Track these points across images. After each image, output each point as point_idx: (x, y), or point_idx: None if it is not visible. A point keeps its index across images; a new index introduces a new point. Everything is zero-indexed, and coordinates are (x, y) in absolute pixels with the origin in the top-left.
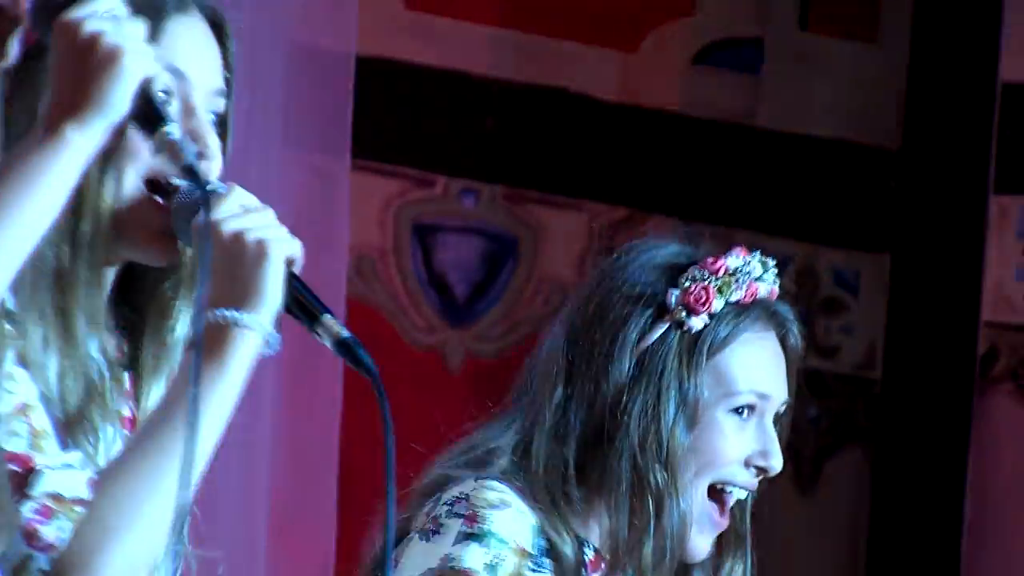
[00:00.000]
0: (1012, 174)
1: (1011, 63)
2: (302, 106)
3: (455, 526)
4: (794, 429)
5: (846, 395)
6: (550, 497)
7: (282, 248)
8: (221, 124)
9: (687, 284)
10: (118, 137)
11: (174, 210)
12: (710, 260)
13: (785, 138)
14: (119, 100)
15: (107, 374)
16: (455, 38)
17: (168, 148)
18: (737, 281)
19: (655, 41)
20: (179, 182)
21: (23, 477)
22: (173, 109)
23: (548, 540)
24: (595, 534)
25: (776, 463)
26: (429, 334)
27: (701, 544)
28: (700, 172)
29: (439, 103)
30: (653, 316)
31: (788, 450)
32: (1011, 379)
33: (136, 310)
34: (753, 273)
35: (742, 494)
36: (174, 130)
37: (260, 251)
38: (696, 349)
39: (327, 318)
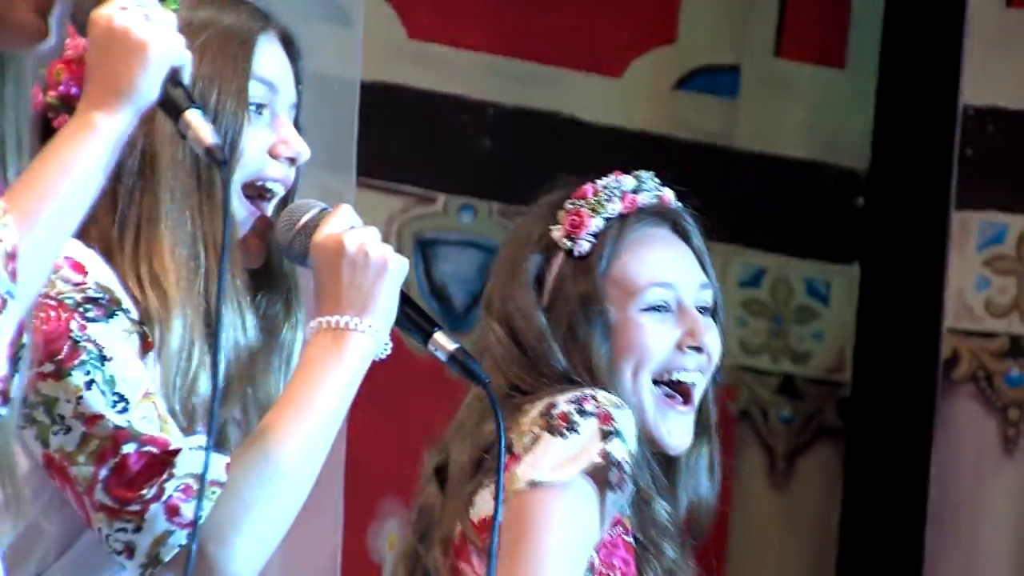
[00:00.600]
0: (972, 191)
1: (971, 88)
2: (310, 128)
3: (592, 424)
4: (768, 429)
5: (818, 397)
6: None
7: (401, 264)
8: None
9: (563, 215)
10: (234, 149)
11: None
12: (579, 189)
13: (760, 158)
14: (147, 88)
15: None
16: (454, 65)
17: (192, 130)
18: (607, 197)
19: (639, 68)
20: (277, 187)
21: (166, 456)
22: (265, 119)
23: None
24: None
25: (708, 339)
26: None
27: (674, 436)
28: (681, 189)
29: (439, 126)
30: (546, 256)
31: (763, 448)
32: (972, 382)
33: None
34: (624, 186)
35: (691, 377)
36: (197, 114)
37: (382, 264)
38: (589, 269)
39: (439, 333)
